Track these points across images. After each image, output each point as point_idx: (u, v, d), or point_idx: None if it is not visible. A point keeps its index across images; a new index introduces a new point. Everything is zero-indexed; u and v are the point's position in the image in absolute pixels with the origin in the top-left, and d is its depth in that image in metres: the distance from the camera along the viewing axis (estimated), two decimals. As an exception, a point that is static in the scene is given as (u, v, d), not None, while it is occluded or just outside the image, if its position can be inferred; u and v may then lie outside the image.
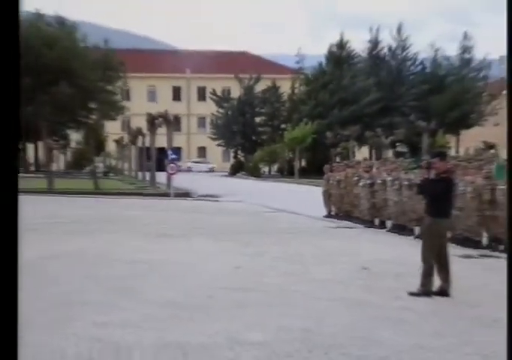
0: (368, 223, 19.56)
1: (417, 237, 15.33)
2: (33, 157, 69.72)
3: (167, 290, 9.72)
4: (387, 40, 70.23)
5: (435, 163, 9.94)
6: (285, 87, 75.05)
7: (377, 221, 19.42)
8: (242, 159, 74.94)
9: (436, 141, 58.22)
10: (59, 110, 50.89)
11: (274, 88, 75.36)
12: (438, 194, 9.77)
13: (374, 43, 69.86)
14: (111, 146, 70.00)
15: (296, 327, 7.63)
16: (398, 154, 56.30)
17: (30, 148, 70.95)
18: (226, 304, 8.85)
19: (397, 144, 66.87)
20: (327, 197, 22.78)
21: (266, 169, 70.66)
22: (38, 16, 58.99)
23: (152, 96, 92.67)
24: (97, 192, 34.17)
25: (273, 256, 13.29)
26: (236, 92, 79.92)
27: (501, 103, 71.78)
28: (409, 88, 67.40)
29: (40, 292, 9.33)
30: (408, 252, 13.15)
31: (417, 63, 70.86)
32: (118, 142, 64.65)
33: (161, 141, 43.23)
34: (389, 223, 18.78)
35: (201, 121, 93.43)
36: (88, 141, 55.99)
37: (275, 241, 15.84)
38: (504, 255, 13.93)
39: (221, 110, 78.08)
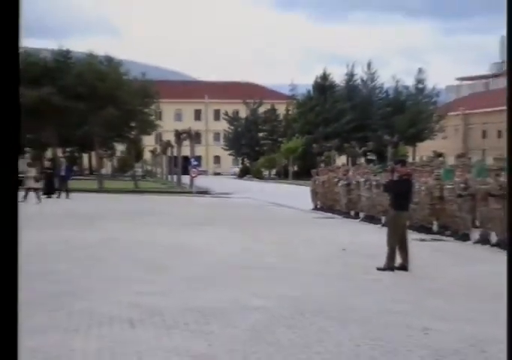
0: (346, 215, 19.45)
1: (383, 225, 15.26)
2: (88, 163, 70.05)
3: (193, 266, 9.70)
4: (360, 73, 70.20)
5: (397, 168, 9.96)
6: (281, 109, 75.21)
7: (352, 213, 19.31)
8: (248, 165, 75.03)
9: (398, 151, 58.14)
10: (108, 128, 50.75)
11: (273, 110, 75.71)
12: (400, 192, 9.75)
13: (350, 75, 69.77)
14: (147, 155, 69.90)
15: (289, 296, 7.59)
16: (368, 161, 56.23)
17: (85, 157, 71.06)
18: (235, 278, 8.82)
19: (368, 153, 67.05)
20: (314, 194, 22.71)
21: (266, 172, 70.59)
22: (92, 57, 58.85)
23: (178, 116, 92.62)
24: (137, 190, 34.43)
25: (271, 241, 13.22)
26: (243, 113, 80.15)
27: (447, 122, 71.84)
28: (377, 110, 67.44)
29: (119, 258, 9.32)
30: (376, 237, 13.11)
31: (383, 91, 70.90)
32: (152, 152, 64.93)
33: (186, 151, 43.69)
34: (362, 215, 18.71)
35: (216, 136, 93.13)
36: (129, 151, 55.83)
37: (272, 228, 15.77)
38: (450, 238, 13.90)
39: (231, 127, 78.48)
